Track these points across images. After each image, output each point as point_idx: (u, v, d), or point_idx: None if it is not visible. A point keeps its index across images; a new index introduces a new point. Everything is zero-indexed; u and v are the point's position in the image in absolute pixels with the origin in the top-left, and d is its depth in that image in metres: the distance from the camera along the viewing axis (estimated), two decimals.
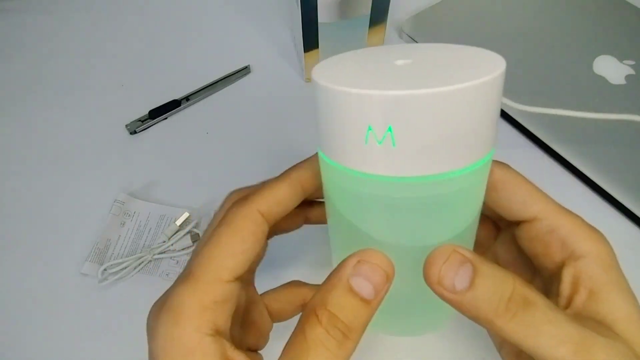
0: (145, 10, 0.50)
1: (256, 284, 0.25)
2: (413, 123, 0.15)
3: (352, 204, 0.19)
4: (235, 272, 0.19)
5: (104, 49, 0.47)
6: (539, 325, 0.17)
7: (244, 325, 0.23)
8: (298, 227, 0.26)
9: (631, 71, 0.42)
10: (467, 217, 0.20)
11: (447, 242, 0.18)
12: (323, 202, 0.24)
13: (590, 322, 0.18)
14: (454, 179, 0.17)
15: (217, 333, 0.18)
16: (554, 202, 0.21)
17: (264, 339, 0.25)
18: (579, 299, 0.19)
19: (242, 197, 0.21)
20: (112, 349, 0.32)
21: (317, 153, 0.21)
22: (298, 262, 0.35)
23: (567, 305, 0.20)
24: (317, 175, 0.22)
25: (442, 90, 0.15)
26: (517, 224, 0.23)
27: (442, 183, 0.17)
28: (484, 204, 0.22)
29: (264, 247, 0.23)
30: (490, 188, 0.22)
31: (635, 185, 0.36)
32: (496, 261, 0.26)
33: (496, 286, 0.17)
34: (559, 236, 0.21)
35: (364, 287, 0.18)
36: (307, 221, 0.26)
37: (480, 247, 0.27)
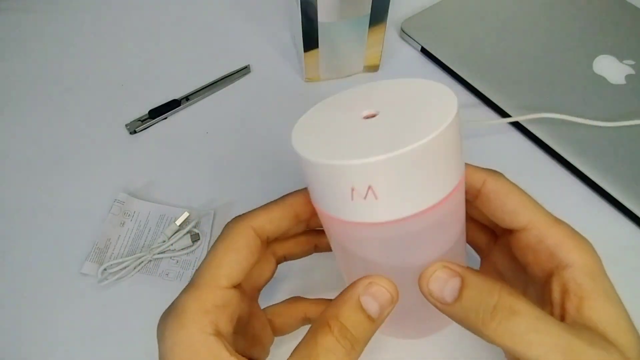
0: (145, 10, 0.50)
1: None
2: (389, 180, 0.18)
3: (350, 242, 0.22)
4: (231, 279, 0.21)
5: (104, 49, 0.47)
6: (525, 333, 0.18)
7: (247, 338, 0.24)
8: (308, 254, 0.28)
9: (631, 71, 0.42)
10: (452, 236, 0.22)
11: (439, 259, 0.20)
12: None
13: (586, 332, 0.19)
14: (433, 211, 0.19)
15: (219, 334, 0.20)
16: (544, 211, 0.22)
17: (266, 352, 0.26)
18: (571, 307, 0.20)
19: (238, 215, 0.23)
20: (112, 349, 0.32)
21: None
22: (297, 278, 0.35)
23: (562, 314, 0.20)
24: (311, 203, 0.23)
25: (405, 151, 0.17)
26: (511, 232, 0.23)
27: (420, 218, 0.19)
28: (482, 212, 0.24)
29: (273, 269, 0.26)
30: (484, 198, 0.23)
31: (635, 184, 0.36)
32: (494, 267, 0.26)
33: (482, 296, 0.19)
34: (547, 246, 0.21)
35: (372, 306, 0.20)
36: (317, 249, 0.28)
37: (481, 253, 0.27)
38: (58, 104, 0.44)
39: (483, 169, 0.23)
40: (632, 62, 0.42)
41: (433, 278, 0.20)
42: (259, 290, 0.26)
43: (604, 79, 0.41)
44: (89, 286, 0.34)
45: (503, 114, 0.41)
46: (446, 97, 0.20)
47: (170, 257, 0.35)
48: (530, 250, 0.22)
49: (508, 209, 0.22)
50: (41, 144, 0.41)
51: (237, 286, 0.22)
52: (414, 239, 0.20)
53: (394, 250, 0.21)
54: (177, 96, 0.43)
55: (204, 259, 0.22)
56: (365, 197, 0.19)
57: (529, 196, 0.23)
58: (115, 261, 0.34)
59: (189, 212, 0.36)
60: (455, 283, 0.19)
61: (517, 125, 0.40)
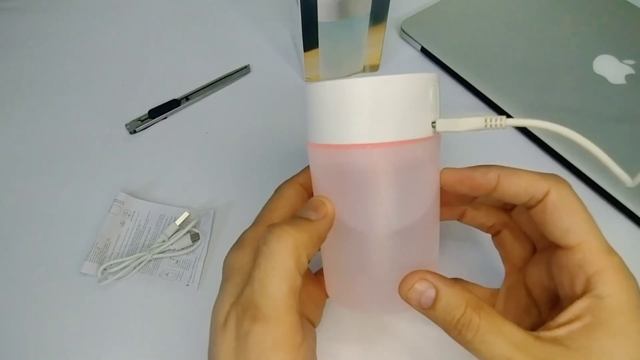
0: (146, 10, 0.50)
1: None
2: (321, 107, 0.22)
3: (313, 170, 0.25)
4: (281, 219, 0.25)
5: (104, 49, 0.47)
6: (477, 343, 0.21)
7: (301, 295, 0.25)
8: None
9: (631, 71, 0.42)
10: (419, 202, 0.23)
11: (408, 227, 0.23)
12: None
13: (558, 347, 0.20)
14: (351, 151, 0.21)
15: None
16: (599, 237, 0.22)
17: (319, 311, 0.28)
18: (567, 329, 0.20)
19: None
20: (112, 349, 0.32)
21: None
22: None
23: (552, 327, 0.21)
24: None
25: (325, 84, 0.21)
26: (555, 248, 0.23)
27: (343, 153, 0.22)
28: (529, 223, 0.25)
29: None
30: (541, 208, 0.23)
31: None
32: (524, 282, 0.27)
33: (451, 308, 0.22)
34: (587, 273, 0.21)
35: (306, 212, 0.23)
36: None
37: (512, 266, 0.28)
38: (58, 103, 0.44)
39: (547, 175, 0.23)
40: (632, 62, 0.42)
41: (412, 290, 0.22)
42: (309, 258, 0.29)
43: (604, 79, 0.41)
44: (88, 286, 0.34)
45: (503, 113, 0.41)
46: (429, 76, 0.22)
47: (170, 257, 0.35)
48: (568, 272, 0.22)
49: (563, 225, 0.22)
50: (41, 143, 0.41)
51: None
52: (352, 181, 0.22)
53: (339, 187, 0.23)
54: (177, 96, 0.43)
55: (262, 207, 0.26)
56: (310, 119, 0.23)
57: (589, 216, 0.22)
58: (115, 261, 0.34)
59: (188, 212, 0.36)
60: (430, 293, 0.22)
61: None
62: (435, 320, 0.22)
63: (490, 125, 0.21)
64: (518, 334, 0.20)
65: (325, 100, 0.22)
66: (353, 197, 0.23)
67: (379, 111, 0.21)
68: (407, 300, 0.23)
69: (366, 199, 0.22)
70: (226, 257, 0.25)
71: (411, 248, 0.23)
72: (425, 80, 0.22)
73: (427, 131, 0.22)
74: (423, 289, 0.22)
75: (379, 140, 0.21)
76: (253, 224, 0.26)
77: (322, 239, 0.23)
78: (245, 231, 0.25)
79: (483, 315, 0.21)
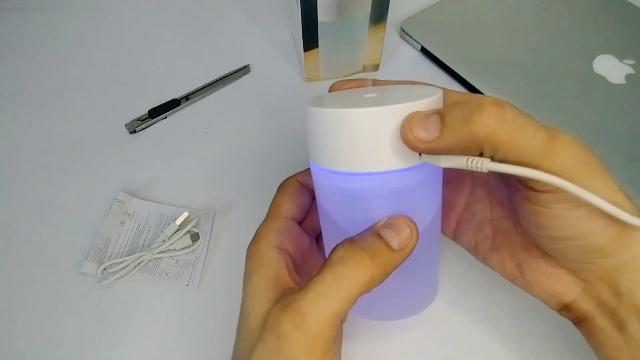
0: (145, 9, 0.50)
1: None
2: (329, 134, 0.22)
3: (319, 191, 0.25)
4: (289, 212, 0.27)
5: (104, 49, 0.47)
6: (517, 117, 0.19)
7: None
8: None
9: (631, 70, 0.42)
10: (419, 218, 0.22)
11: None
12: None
13: None
14: (375, 179, 0.21)
15: (283, 249, 0.26)
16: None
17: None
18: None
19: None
20: (112, 348, 0.32)
21: None
22: None
23: None
24: None
25: (333, 111, 0.21)
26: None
27: (366, 180, 0.22)
28: None
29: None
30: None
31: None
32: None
33: (464, 107, 0.19)
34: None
35: (391, 237, 0.21)
36: None
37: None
38: (58, 103, 0.44)
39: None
40: (632, 62, 0.42)
41: (413, 122, 0.20)
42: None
43: (604, 78, 0.41)
44: (88, 286, 0.34)
45: None
46: (431, 91, 0.22)
47: (170, 257, 0.35)
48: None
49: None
50: (41, 143, 0.41)
51: (301, 224, 0.28)
52: (362, 204, 0.22)
53: (340, 202, 0.23)
54: (177, 96, 0.43)
55: (270, 203, 0.28)
56: (308, 140, 0.23)
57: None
58: (115, 261, 0.34)
59: (188, 212, 0.36)
60: (434, 117, 0.20)
61: None
62: (457, 136, 0.19)
63: (471, 167, 0.20)
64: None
65: (317, 127, 0.22)
66: (355, 213, 0.23)
67: (367, 142, 0.21)
68: (416, 141, 0.20)
69: (366, 217, 0.23)
70: (248, 250, 0.26)
71: (411, 258, 0.23)
72: (412, 110, 0.21)
73: (415, 160, 0.21)
74: (423, 116, 0.20)
75: (368, 169, 0.21)
76: (265, 219, 0.28)
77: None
78: (259, 227, 0.27)
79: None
